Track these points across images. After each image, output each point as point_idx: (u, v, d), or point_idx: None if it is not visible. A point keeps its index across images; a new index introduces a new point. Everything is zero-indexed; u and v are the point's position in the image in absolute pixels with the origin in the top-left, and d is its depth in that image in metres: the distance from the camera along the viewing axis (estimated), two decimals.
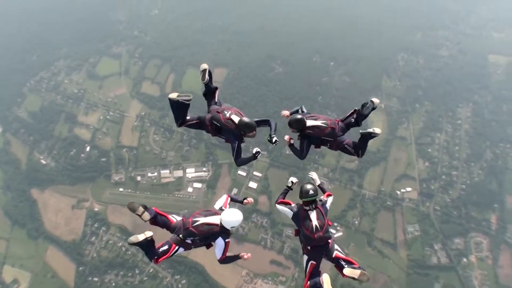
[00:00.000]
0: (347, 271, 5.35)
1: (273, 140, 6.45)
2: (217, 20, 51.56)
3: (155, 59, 49.19)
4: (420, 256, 41.25)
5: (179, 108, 6.02)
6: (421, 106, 48.39)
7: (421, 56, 51.86)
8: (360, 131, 6.30)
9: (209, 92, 6.48)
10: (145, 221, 5.47)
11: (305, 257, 5.87)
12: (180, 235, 5.52)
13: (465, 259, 41.04)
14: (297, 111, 6.95)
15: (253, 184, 43.05)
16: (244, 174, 43.49)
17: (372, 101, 6.48)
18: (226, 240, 5.69)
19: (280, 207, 6.17)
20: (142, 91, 47.54)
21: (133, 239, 5.17)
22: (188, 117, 6.29)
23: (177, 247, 5.58)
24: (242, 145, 6.38)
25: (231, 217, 5.59)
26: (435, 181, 44.98)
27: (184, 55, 48.97)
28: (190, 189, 42.92)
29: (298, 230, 5.92)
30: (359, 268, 5.34)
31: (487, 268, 40.73)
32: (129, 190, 42.59)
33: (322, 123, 6.42)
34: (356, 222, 41.39)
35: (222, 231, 5.60)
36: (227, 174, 43.52)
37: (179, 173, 43.66)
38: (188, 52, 49.01)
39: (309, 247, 5.76)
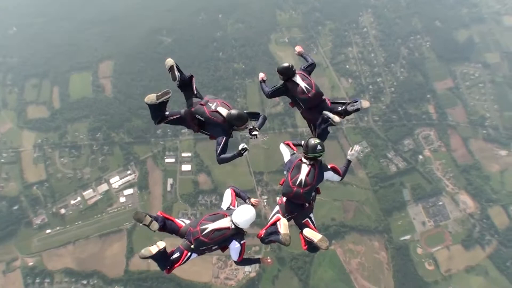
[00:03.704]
0: (307, 231, 5.17)
1: (253, 133, 5.97)
2: (85, 15, 46.13)
3: (31, 79, 43.01)
4: (378, 170, 41.43)
5: (157, 107, 5.43)
6: (323, 27, 47.47)
7: None
8: (348, 107, 6.23)
9: (184, 83, 5.74)
10: (154, 231, 5.13)
11: (276, 208, 5.65)
12: (192, 246, 5.10)
13: (420, 156, 42.10)
14: None
15: (186, 167, 39.76)
16: (173, 160, 39.86)
17: (361, 102, 6.17)
18: (242, 242, 5.18)
19: (283, 147, 6.07)
20: (29, 118, 41.53)
21: (145, 253, 4.80)
22: (167, 113, 5.74)
23: (189, 253, 5.20)
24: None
25: (244, 216, 5.01)
26: (364, 94, 44.62)
27: (60, 63, 43.25)
28: (122, 199, 38.74)
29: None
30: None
31: (443, 156, 41.80)
32: (58, 228, 37.58)
33: (305, 86, 6.28)
34: None
35: (235, 233, 5.08)
36: (155, 168, 39.63)
37: (103, 187, 39.05)
38: (64, 59, 43.38)
39: (284, 198, 5.57)
